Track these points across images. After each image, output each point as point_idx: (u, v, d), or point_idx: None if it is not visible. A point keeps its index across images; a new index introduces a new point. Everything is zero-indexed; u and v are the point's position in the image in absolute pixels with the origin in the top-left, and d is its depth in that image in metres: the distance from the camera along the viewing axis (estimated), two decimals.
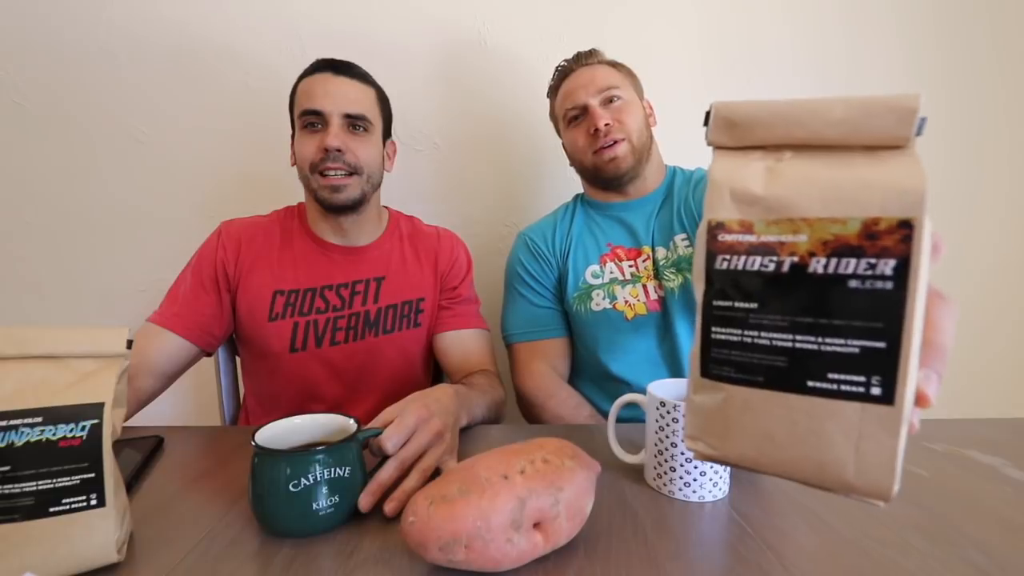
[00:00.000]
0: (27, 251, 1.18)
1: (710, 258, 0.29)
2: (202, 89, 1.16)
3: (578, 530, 0.42)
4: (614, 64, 0.95)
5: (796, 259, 0.26)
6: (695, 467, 0.49)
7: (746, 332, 0.27)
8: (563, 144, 1.02)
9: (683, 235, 0.89)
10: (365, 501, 0.47)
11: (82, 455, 0.38)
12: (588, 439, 0.64)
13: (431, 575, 0.40)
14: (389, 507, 0.47)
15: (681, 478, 0.50)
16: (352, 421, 0.50)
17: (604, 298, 0.89)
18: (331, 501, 0.44)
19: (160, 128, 1.17)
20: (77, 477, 0.38)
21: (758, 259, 0.27)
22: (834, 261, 0.25)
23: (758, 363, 0.27)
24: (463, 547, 0.37)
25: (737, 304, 0.27)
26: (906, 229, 0.24)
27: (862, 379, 0.25)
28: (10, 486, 0.36)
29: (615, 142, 0.89)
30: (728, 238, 0.27)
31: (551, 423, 0.85)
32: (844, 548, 0.42)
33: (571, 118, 0.94)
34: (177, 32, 1.14)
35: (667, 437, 0.50)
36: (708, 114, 0.30)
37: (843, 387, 0.25)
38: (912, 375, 0.25)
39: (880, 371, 0.25)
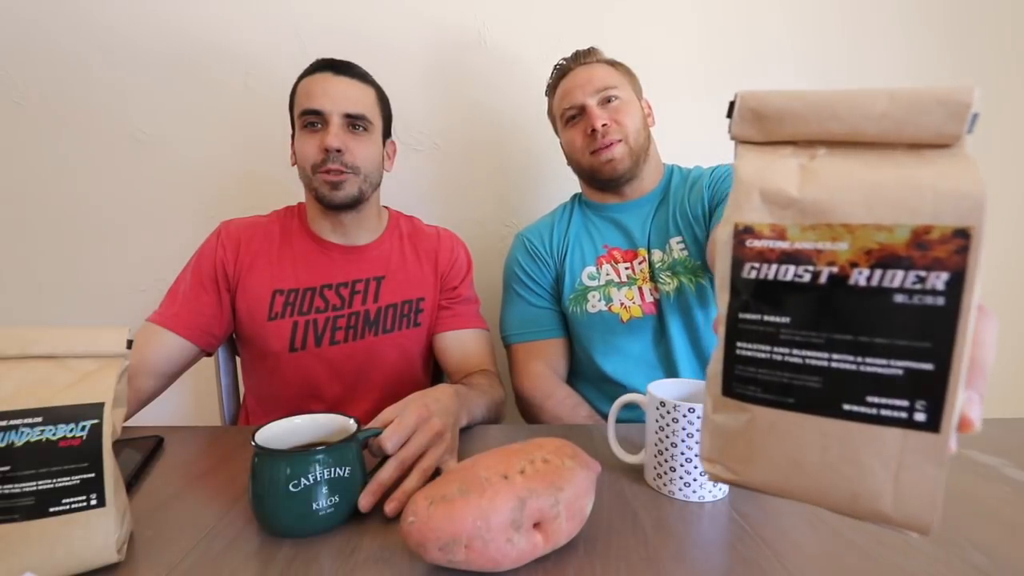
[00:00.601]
0: (27, 251, 1.18)
1: (736, 265, 0.25)
2: (202, 89, 1.16)
3: (578, 530, 0.42)
4: (613, 63, 0.94)
5: (835, 269, 0.23)
6: (695, 467, 0.49)
7: (776, 349, 0.25)
8: (561, 144, 1.02)
9: (678, 238, 0.88)
10: (365, 501, 0.47)
11: (82, 455, 0.38)
12: (588, 439, 0.64)
13: (431, 575, 0.40)
14: (389, 507, 0.47)
15: (681, 478, 0.50)
16: (352, 421, 0.50)
17: (600, 300, 0.89)
18: (331, 501, 0.44)
19: (160, 128, 1.17)
20: (77, 477, 0.38)
21: (791, 268, 0.24)
22: (879, 273, 0.22)
23: (788, 383, 0.25)
24: (463, 547, 0.37)
25: (766, 318, 0.25)
26: (962, 239, 0.21)
27: (906, 403, 0.23)
28: (10, 486, 0.36)
29: (612, 143, 0.88)
30: (757, 244, 0.25)
31: (550, 423, 0.85)
32: (844, 548, 0.42)
33: (568, 117, 0.93)
34: (177, 32, 1.14)
35: (667, 437, 0.50)
36: (732, 104, 0.26)
37: (883, 412, 0.23)
38: (959, 399, 0.22)
39: (926, 395, 0.22)
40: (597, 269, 0.91)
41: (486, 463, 0.41)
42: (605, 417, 0.72)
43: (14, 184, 1.16)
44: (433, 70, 1.20)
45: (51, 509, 0.37)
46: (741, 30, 1.25)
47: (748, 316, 0.25)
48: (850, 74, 1.27)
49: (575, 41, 1.02)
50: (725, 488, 0.51)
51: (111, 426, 0.40)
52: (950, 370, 0.22)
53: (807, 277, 0.24)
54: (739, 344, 0.26)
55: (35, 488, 0.37)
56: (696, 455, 0.49)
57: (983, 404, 0.24)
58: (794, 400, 0.25)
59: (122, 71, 1.15)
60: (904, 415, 0.23)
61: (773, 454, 0.25)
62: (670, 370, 0.87)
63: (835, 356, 0.23)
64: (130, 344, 0.42)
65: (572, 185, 1.06)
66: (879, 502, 0.23)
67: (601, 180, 0.93)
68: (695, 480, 0.50)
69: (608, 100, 0.90)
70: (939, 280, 0.22)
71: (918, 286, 0.22)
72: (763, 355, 0.25)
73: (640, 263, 0.90)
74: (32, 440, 0.37)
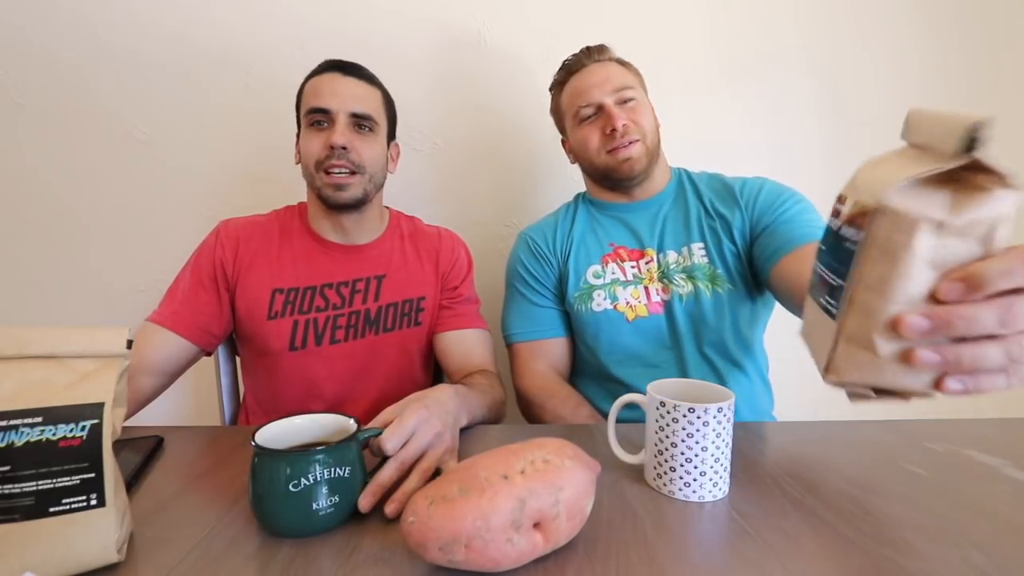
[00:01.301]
0: (27, 251, 1.18)
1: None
2: (202, 89, 1.16)
3: (578, 530, 0.42)
4: (623, 63, 0.95)
5: (839, 222, 0.38)
6: (695, 467, 0.49)
7: (818, 264, 0.40)
8: (564, 141, 1.02)
9: (700, 244, 0.88)
10: (365, 502, 0.46)
11: (82, 455, 0.38)
12: (588, 439, 0.64)
13: (431, 575, 0.40)
14: (390, 508, 0.47)
15: (681, 478, 0.50)
16: (352, 421, 0.50)
17: (605, 298, 0.89)
18: (331, 501, 0.44)
19: (160, 128, 1.17)
20: (77, 477, 0.38)
21: (834, 220, 0.39)
22: (844, 227, 0.37)
23: (813, 283, 0.41)
24: (463, 547, 0.37)
25: (820, 246, 0.41)
26: (864, 216, 0.35)
27: (834, 302, 0.37)
28: (10, 486, 0.36)
29: (631, 142, 0.89)
30: (836, 205, 0.39)
31: (551, 423, 0.84)
32: (844, 548, 0.42)
33: (583, 116, 0.92)
34: (177, 32, 1.14)
35: (667, 437, 0.50)
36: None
37: (829, 307, 0.38)
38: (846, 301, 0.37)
39: (834, 297, 0.38)
40: (603, 267, 0.91)
41: (486, 463, 0.41)
42: (605, 416, 0.72)
43: (14, 184, 1.16)
44: (433, 70, 1.20)
45: (51, 509, 0.37)
46: (744, 29, 1.25)
47: (820, 246, 0.41)
48: (856, 73, 1.27)
49: (575, 41, 1.02)
50: (725, 488, 0.51)
51: (111, 426, 0.40)
52: (844, 285, 0.36)
53: (834, 225, 0.38)
54: (815, 261, 0.41)
55: (35, 488, 0.37)
56: (695, 455, 0.49)
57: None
58: (813, 293, 0.42)
59: (122, 71, 1.15)
60: (833, 308, 0.38)
61: (807, 323, 0.44)
62: (680, 373, 0.87)
63: (825, 271, 0.39)
64: (130, 344, 0.42)
65: (572, 185, 1.06)
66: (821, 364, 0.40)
67: (615, 179, 0.92)
68: (695, 480, 0.50)
69: (625, 100, 0.90)
70: (857, 236, 0.36)
71: (852, 237, 0.36)
72: (815, 267, 0.41)
73: (648, 263, 0.90)
74: (32, 440, 0.37)
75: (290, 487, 0.43)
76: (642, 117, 0.90)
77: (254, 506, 0.45)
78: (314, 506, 0.44)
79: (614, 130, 0.88)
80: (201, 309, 0.81)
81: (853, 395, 0.41)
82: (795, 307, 0.76)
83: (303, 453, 0.44)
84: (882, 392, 0.38)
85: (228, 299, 0.84)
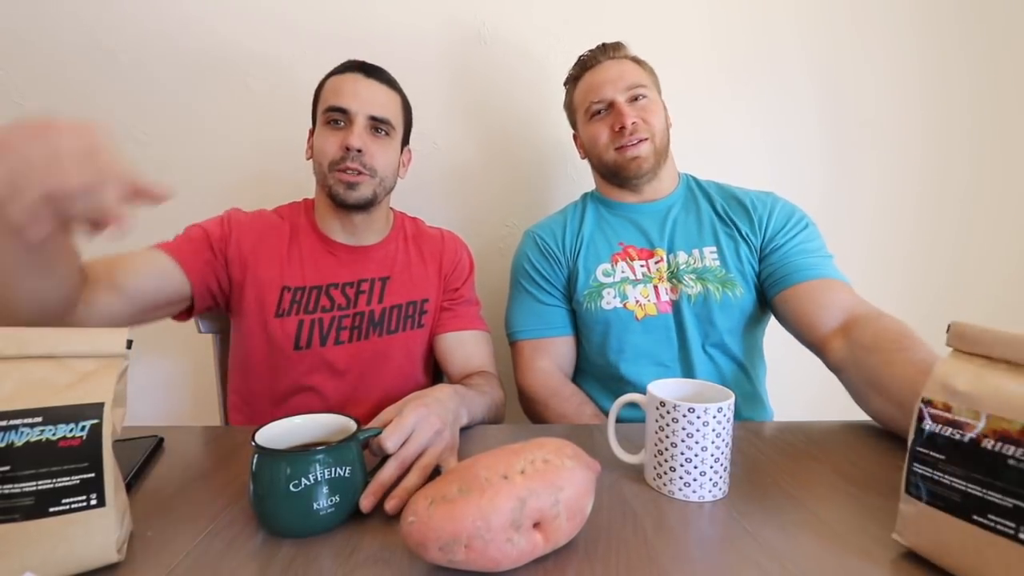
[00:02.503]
0: None
1: (919, 419, 0.41)
2: (202, 90, 1.16)
3: (578, 530, 0.42)
4: (638, 61, 0.95)
5: (974, 435, 0.37)
6: (695, 467, 0.49)
7: (935, 472, 0.39)
8: (575, 136, 1.02)
9: (712, 247, 0.89)
10: (367, 502, 0.47)
11: (82, 455, 0.38)
12: (588, 439, 0.64)
13: (431, 575, 0.40)
14: (390, 505, 0.47)
15: (681, 478, 0.50)
16: (352, 421, 0.50)
17: (615, 297, 0.89)
18: (331, 501, 0.44)
19: (160, 128, 1.17)
20: (77, 477, 0.38)
21: (950, 429, 0.39)
22: (1000, 444, 0.36)
23: (940, 494, 0.39)
24: (463, 547, 0.37)
25: (931, 453, 0.40)
26: None
27: (1013, 525, 0.35)
28: (10, 486, 0.36)
29: (640, 140, 0.89)
30: (932, 411, 0.40)
31: (554, 421, 0.84)
32: (844, 548, 0.42)
33: (594, 112, 0.93)
34: (177, 32, 1.14)
35: (667, 437, 0.50)
36: (949, 327, 0.42)
37: (998, 527, 0.36)
38: None
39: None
40: (612, 266, 0.91)
41: (486, 463, 0.41)
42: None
43: None
44: (432, 70, 1.20)
45: (51, 509, 0.37)
46: (748, 29, 1.25)
47: (921, 450, 0.40)
48: (857, 74, 1.27)
49: (576, 41, 1.02)
50: (725, 488, 0.51)
51: (111, 426, 0.40)
52: None
53: (958, 436, 0.38)
54: (915, 464, 0.41)
55: (35, 488, 0.37)
56: (695, 455, 0.49)
57: None
58: (943, 504, 0.39)
59: (123, 73, 1.15)
60: (1012, 531, 0.35)
61: (929, 534, 0.40)
62: (685, 371, 0.87)
63: (970, 485, 0.37)
64: (130, 344, 0.42)
65: (573, 185, 1.06)
66: None
67: (623, 176, 0.93)
68: (695, 480, 0.50)
69: (636, 98, 0.90)
70: None
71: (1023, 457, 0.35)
72: (927, 474, 0.40)
73: (657, 262, 0.90)
74: (32, 440, 0.37)
75: (291, 487, 0.43)
76: (653, 116, 0.90)
77: (255, 506, 0.45)
78: (315, 506, 0.44)
79: (623, 127, 0.88)
80: (208, 262, 0.81)
81: None
82: (796, 333, 0.83)
83: (303, 453, 0.44)
84: None
85: (225, 276, 0.83)
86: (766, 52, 1.26)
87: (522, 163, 1.25)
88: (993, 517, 0.36)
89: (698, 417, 0.49)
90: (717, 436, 0.49)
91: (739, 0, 1.24)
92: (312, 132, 0.88)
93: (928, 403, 0.40)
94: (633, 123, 0.88)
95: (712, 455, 0.49)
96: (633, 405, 0.55)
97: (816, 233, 0.89)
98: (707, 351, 0.87)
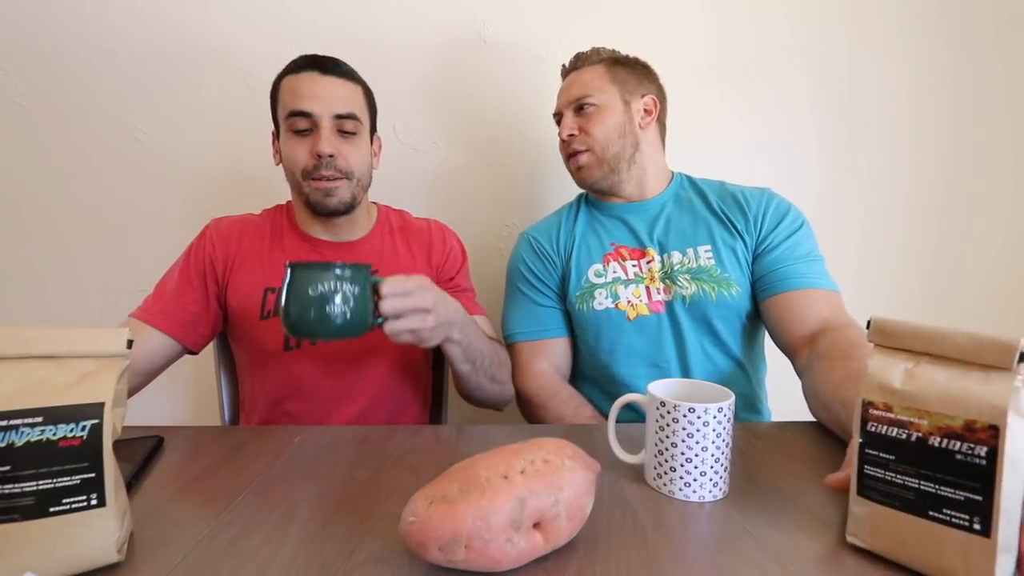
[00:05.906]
0: (27, 251, 1.18)
1: (863, 422, 0.42)
2: (202, 89, 1.16)
3: (578, 530, 0.42)
4: (611, 62, 0.92)
5: (920, 434, 0.38)
6: (695, 467, 0.49)
7: (887, 472, 0.40)
8: None
9: (706, 247, 0.88)
10: None
11: (82, 455, 0.38)
12: (588, 439, 0.64)
13: (431, 575, 0.40)
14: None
15: (681, 478, 0.50)
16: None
17: (607, 297, 0.89)
18: (343, 310, 0.56)
19: (160, 128, 1.17)
20: (77, 477, 0.38)
21: (895, 429, 0.40)
22: (946, 440, 0.37)
23: (894, 493, 0.40)
24: (463, 547, 0.37)
25: (881, 454, 0.41)
26: (994, 429, 0.35)
27: (967, 517, 0.36)
28: (10, 486, 0.36)
29: (576, 152, 0.91)
30: (875, 412, 0.41)
31: (552, 423, 0.84)
32: (844, 548, 0.42)
33: (557, 123, 0.97)
34: (177, 32, 1.14)
35: (667, 437, 0.50)
36: (869, 322, 0.43)
37: (953, 520, 0.37)
38: (1008, 522, 0.35)
39: (979, 514, 0.36)
40: (604, 266, 0.91)
41: (486, 463, 0.41)
42: (607, 417, 0.72)
43: (14, 184, 1.16)
44: (432, 70, 1.20)
45: (51, 509, 0.37)
46: (742, 30, 1.25)
47: (870, 452, 0.41)
48: (850, 74, 1.27)
49: (575, 40, 1.02)
50: (725, 488, 0.51)
51: (111, 426, 0.40)
52: (993, 501, 0.35)
53: (904, 436, 0.39)
54: (865, 466, 0.41)
55: (35, 488, 0.37)
56: (696, 455, 0.49)
57: None
58: (899, 504, 0.40)
59: (123, 72, 1.15)
60: (966, 523, 0.36)
61: (887, 534, 0.41)
62: (679, 370, 0.87)
63: (922, 483, 0.38)
64: (130, 344, 0.42)
65: (572, 185, 1.06)
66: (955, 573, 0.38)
67: (581, 186, 0.97)
68: (695, 480, 0.50)
69: (581, 108, 0.91)
70: (982, 450, 0.36)
71: (970, 452, 0.36)
72: (879, 475, 0.41)
73: (648, 262, 0.90)
74: (32, 440, 0.37)
75: (309, 291, 0.55)
76: (595, 126, 0.89)
77: (283, 317, 0.58)
78: (327, 309, 0.55)
79: (563, 140, 0.93)
80: (187, 307, 0.81)
81: None
82: (775, 340, 0.86)
83: (324, 264, 0.59)
84: None
85: (217, 297, 0.84)
86: (760, 52, 1.26)
87: (522, 163, 1.25)
88: (948, 511, 0.37)
89: (698, 417, 0.49)
90: (717, 436, 0.49)
91: (736, 4, 1.24)
92: (276, 135, 0.85)
93: (869, 404, 0.41)
94: (570, 135, 0.91)
95: (712, 455, 0.49)
96: (633, 405, 0.55)
97: (809, 233, 0.88)
98: (705, 351, 0.87)
